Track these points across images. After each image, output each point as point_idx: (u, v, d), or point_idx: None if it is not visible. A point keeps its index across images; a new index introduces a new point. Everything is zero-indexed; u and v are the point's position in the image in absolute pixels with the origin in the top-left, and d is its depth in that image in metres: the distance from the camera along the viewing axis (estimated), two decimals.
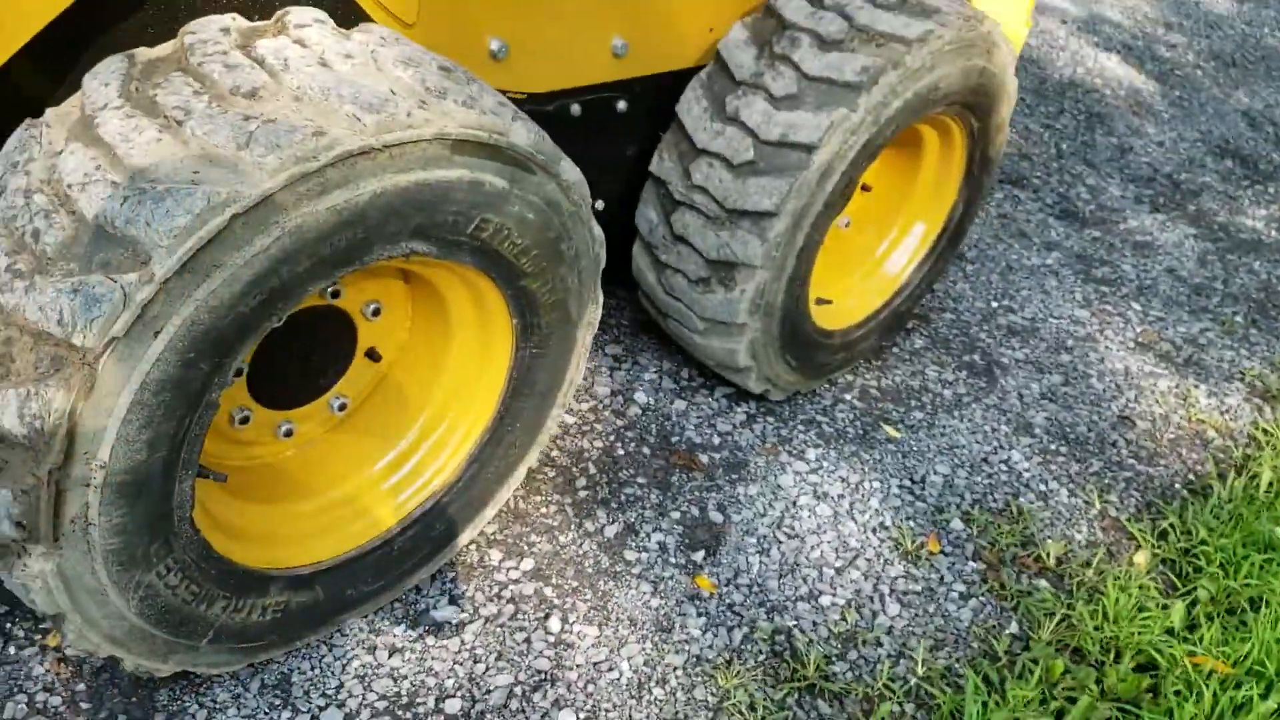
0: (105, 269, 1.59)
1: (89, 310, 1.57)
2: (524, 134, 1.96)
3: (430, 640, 2.40)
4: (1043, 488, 3.24)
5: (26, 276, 1.62)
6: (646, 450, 3.04)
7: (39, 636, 2.23)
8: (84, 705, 2.13)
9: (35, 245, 1.63)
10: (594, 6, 2.59)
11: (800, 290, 2.91)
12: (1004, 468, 3.28)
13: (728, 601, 2.66)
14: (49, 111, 1.78)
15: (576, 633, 2.49)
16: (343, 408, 2.31)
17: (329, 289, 2.11)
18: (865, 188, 3.40)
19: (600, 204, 2.99)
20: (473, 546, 2.62)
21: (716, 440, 3.13)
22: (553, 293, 2.20)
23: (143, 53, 1.83)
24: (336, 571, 2.23)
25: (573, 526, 2.75)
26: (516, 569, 2.60)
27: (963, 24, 2.81)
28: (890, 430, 3.32)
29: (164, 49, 1.84)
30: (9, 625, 2.24)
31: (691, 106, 2.85)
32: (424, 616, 2.45)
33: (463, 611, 2.48)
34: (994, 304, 4.08)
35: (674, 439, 3.10)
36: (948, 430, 3.37)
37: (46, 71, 1.97)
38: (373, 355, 2.29)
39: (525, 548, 2.66)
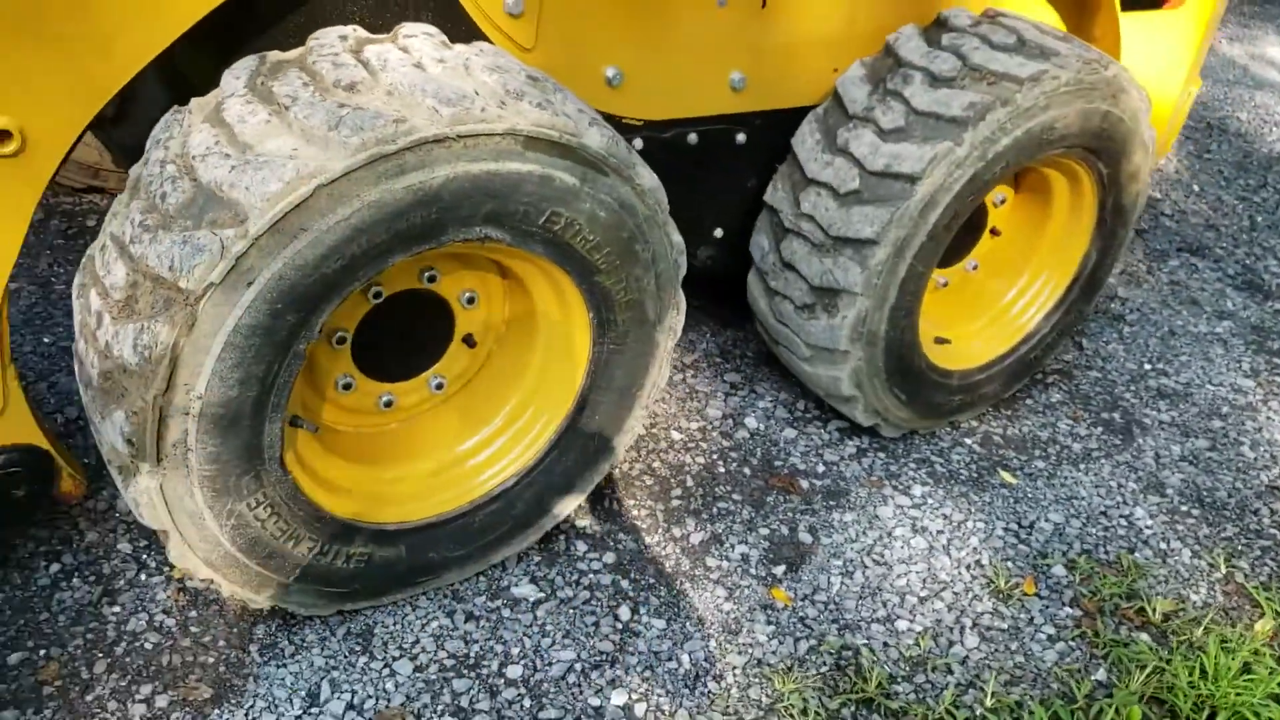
0: (211, 225, 1.88)
1: (193, 257, 1.86)
2: (597, 137, 2.16)
3: (505, 612, 2.58)
4: (1163, 545, 3.12)
5: (153, 230, 1.92)
6: (747, 471, 3.14)
7: (168, 569, 2.54)
8: (192, 629, 2.42)
9: (162, 205, 1.94)
10: (711, 42, 2.78)
11: (905, 322, 2.96)
12: (1123, 522, 3.19)
13: (800, 614, 2.71)
14: (193, 100, 2.11)
15: (644, 623, 2.60)
16: (440, 387, 2.54)
17: (425, 273, 2.35)
18: (995, 232, 3.42)
19: (720, 232, 3.15)
20: (561, 536, 2.79)
21: (821, 468, 3.19)
22: (627, 291, 2.37)
23: (274, 54, 2.14)
24: (419, 533, 2.44)
25: (660, 530, 2.88)
26: (599, 560, 2.75)
27: (1082, 66, 2.84)
28: (1006, 476, 3.29)
29: (292, 52, 2.15)
30: (144, 556, 2.56)
31: (806, 139, 2.98)
32: (504, 591, 2.63)
33: (540, 591, 2.64)
34: (1147, 366, 3.95)
35: (777, 463, 3.18)
36: (1069, 481, 3.30)
37: (206, 66, 2.32)
38: (469, 341, 2.52)
39: (611, 543, 2.81)
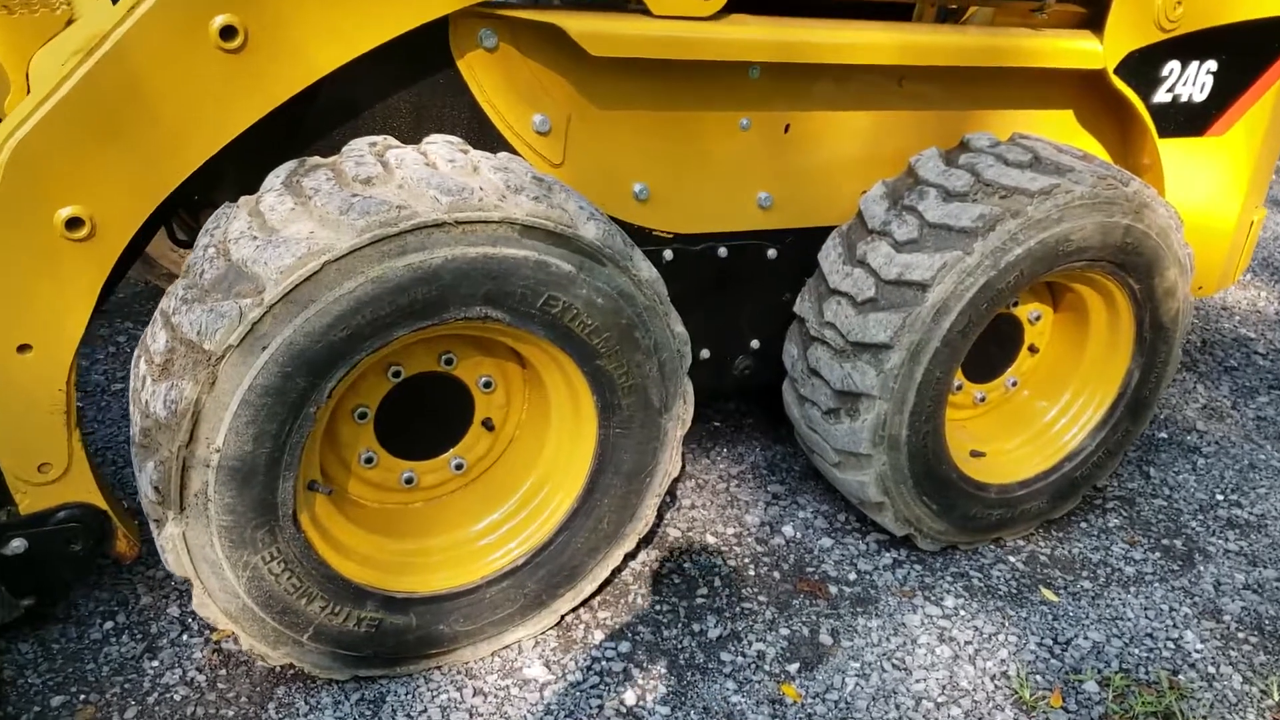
0: (235, 296, 2.14)
1: (216, 322, 2.12)
2: (593, 230, 2.36)
3: (514, 691, 2.67)
4: (1211, 670, 3.00)
5: (189, 302, 2.20)
6: (777, 575, 3.18)
7: (208, 631, 2.74)
8: (220, 685, 2.59)
9: (200, 281, 2.21)
10: (735, 163, 2.99)
11: (927, 427, 3.02)
12: (1170, 645, 3.08)
13: (809, 711, 2.71)
14: (242, 197, 2.41)
15: (649, 709, 2.65)
16: (460, 468, 2.72)
17: (443, 356, 2.56)
18: (1033, 349, 3.46)
19: (757, 343, 3.30)
20: (580, 625, 2.88)
21: (853, 576, 3.21)
22: (629, 376, 2.53)
23: (313, 159, 2.44)
24: (429, 605, 2.58)
25: (680, 624, 2.94)
26: (614, 648, 2.83)
27: (1097, 181, 2.93)
28: (1048, 593, 3.24)
29: (328, 158, 2.44)
30: (189, 620, 2.77)
31: (829, 252, 3.13)
32: (516, 671, 2.73)
33: (551, 674, 2.73)
34: (1219, 497, 3.85)
35: (809, 569, 3.22)
36: (1115, 602, 3.23)
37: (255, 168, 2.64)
38: (488, 425, 2.70)
39: (628, 633, 2.89)
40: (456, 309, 2.27)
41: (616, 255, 2.40)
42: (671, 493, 3.51)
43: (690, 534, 3.31)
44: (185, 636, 2.72)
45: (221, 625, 2.39)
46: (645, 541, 3.25)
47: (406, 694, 2.63)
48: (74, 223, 2.26)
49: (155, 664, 2.63)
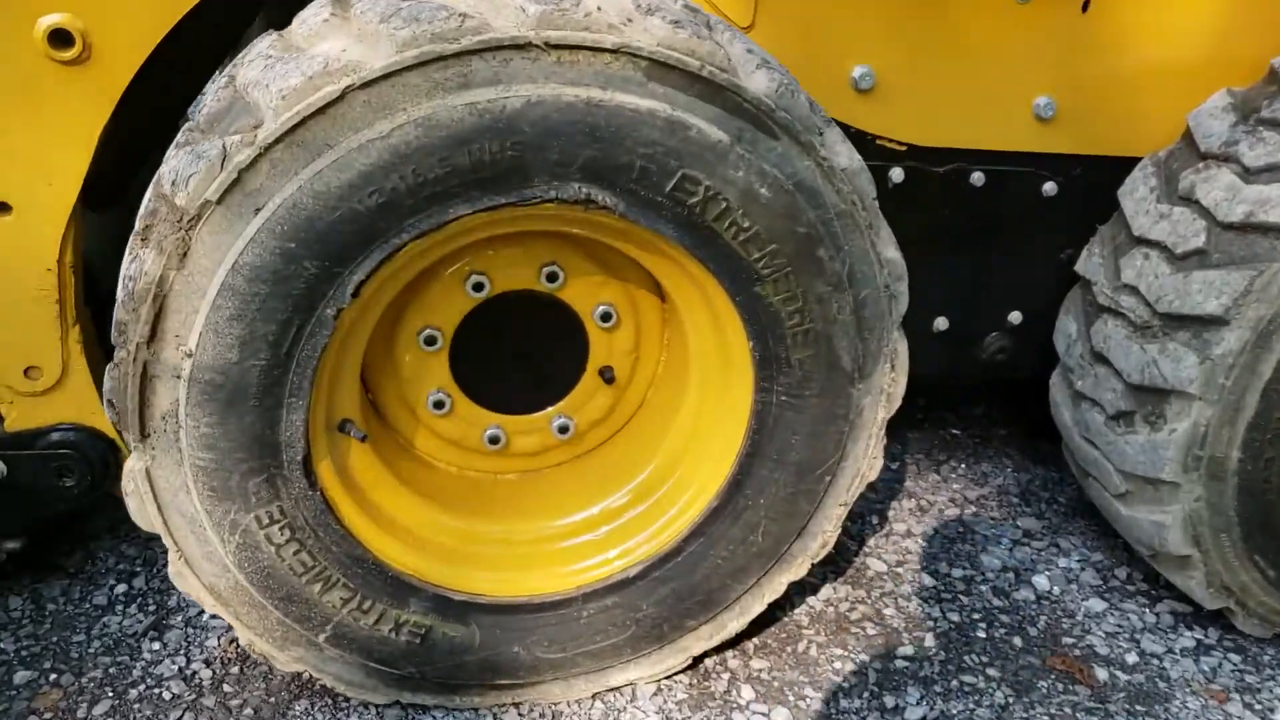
0: (224, 134, 1.49)
1: (190, 168, 1.47)
2: (764, 82, 1.56)
3: None
4: None
5: (180, 146, 1.56)
6: (1018, 641, 2.24)
7: None
8: (225, 688, 1.95)
9: (199, 117, 1.58)
10: (1006, 50, 2.10)
11: (1273, 451, 2.01)
12: None
13: None
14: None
15: None
16: (564, 430, 1.96)
17: (545, 269, 1.82)
18: None
19: (1017, 316, 2.38)
20: (723, 675, 2.07)
21: (1132, 658, 2.23)
22: (804, 317, 1.70)
23: None
24: (499, 615, 1.85)
25: (866, 694, 2.07)
26: (765, 715, 1.99)
27: None
28: None
29: None
30: None
31: (1137, 187, 2.18)
32: None
33: None
34: None
35: (1066, 639, 2.26)
36: None
37: None
38: (606, 376, 1.94)
39: (790, 696, 2.04)
40: (543, 183, 1.53)
41: (798, 126, 1.59)
42: (878, 511, 2.63)
43: (900, 569, 2.42)
44: (205, 617, 2.10)
45: (208, 607, 1.74)
46: (829, 572, 2.39)
47: None
48: (60, 37, 1.67)
49: (156, 647, 2.03)
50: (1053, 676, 2.15)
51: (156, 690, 1.93)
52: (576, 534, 1.94)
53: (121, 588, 2.15)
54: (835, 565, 2.42)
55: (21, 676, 1.93)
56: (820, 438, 1.82)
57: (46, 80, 1.69)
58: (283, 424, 1.60)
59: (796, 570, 1.95)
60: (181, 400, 1.56)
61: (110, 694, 1.92)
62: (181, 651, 2.02)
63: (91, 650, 2.01)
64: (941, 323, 2.35)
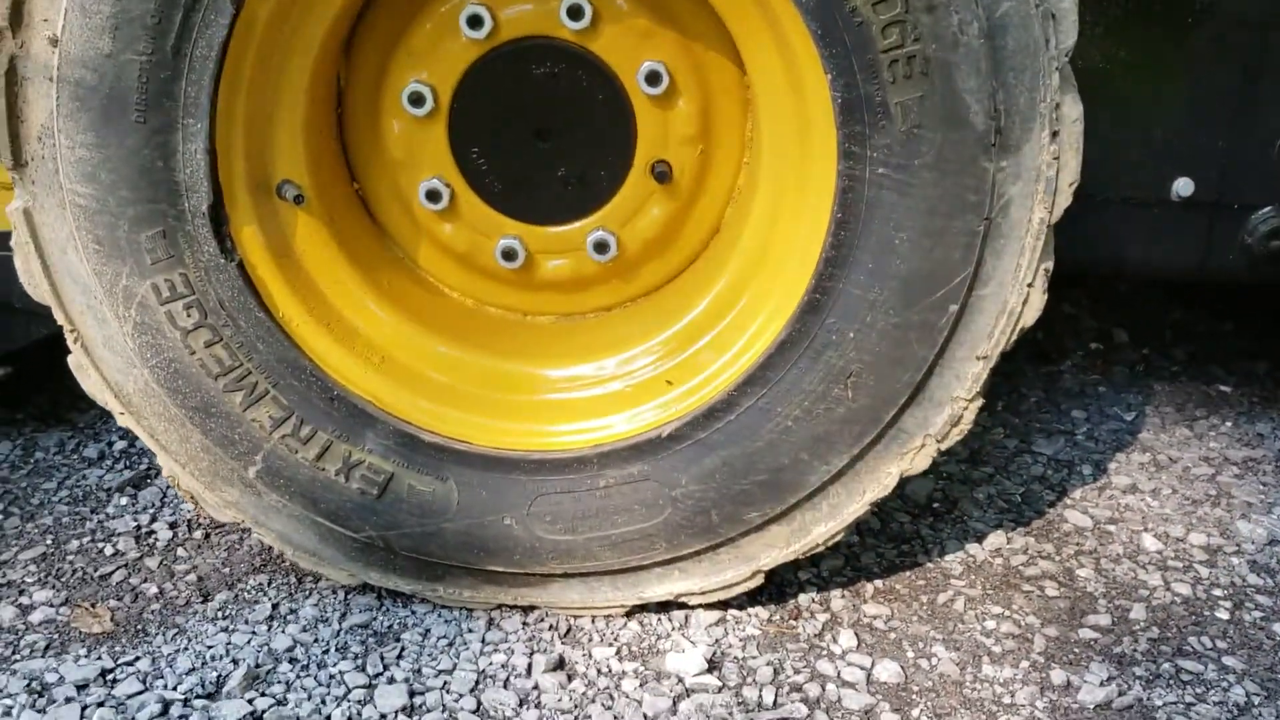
0: None
1: None
2: None
3: (628, 685, 1.35)
4: None
5: None
6: (1278, 631, 1.51)
7: None
8: (180, 551, 1.58)
9: None
10: None
11: None
12: None
13: None
14: None
15: None
16: (602, 249, 1.45)
17: (568, 4, 1.34)
18: None
19: None
20: (819, 613, 1.49)
21: None
22: (905, 33, 1.14)
23: None
24: (485, 471, 1.36)
25: (1026, 666, 1.42)
26: (861, 668, 1.39)
27: None
28: None
29: None
30: None
31: None
32: (650, 654, 1.40)
33: (712, 673, 1.37)
34: None
35: None
36: None
37: None
38: (660, 173, 1.42)
39: (910, 653, 1.43)
40: None
41: None
42: (1094, 459, 1.95)
43: (1111, 527, 1.74)
44: None
45: (117, 416, 1.37)
46: (1005, 517, 1.76)
47: (433, 642, 1.41)
48: None
49: (123, 502, 1.68)
50: None
51: (101, 545, 1.58)
52: (602, 383, 1.43)
53: (122, 445, 1.84)
54: (1015, 509, 1.77)
55: None
56: (939, 238, 1.23)
57: None
58: (179, 155, 1.22)
59: (912, 457, 1.35)
60: (55, 112, 1.20)
61: (49, 542, 1.59)
62: (149, 510, 1.67)
63: (54, 499, 1.70)
64: (1183, 185, 1.67)
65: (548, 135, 1.43)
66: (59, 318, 1.32)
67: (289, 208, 1.34)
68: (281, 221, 1.35)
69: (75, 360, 1.34)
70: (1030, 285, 1.27)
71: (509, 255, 1.46)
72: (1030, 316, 1.29)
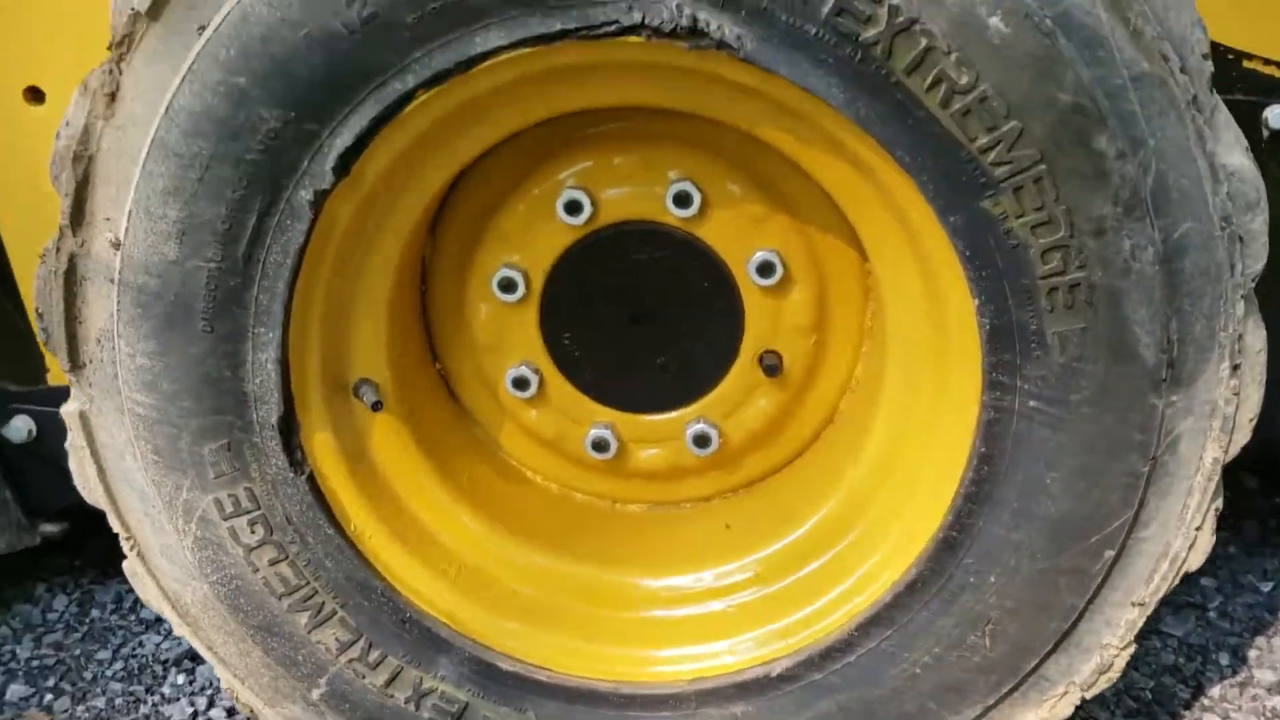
0: None
1: None
2: None
3: None
4: None
5: None
6: None
7: None
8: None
9: None
10: None
11: None
12: None
13: None
14: None
15: None
16: (703, 442, 1.32)
17: (675, 189, 1.21)
18: None
19: None
20: None
21: None
22: (1069, 259, 0.99)
23: None
24: (570, 703, 1.22)
25: None
26: None
27: None
28: None
29: None
30: None
31: None
32: None
33: None
34: None
35: None
36: None
37: None
38: (770, 365, 1.28)
39: None
40: None
41: None
42: (1230, 644, 1.76)
43: None
44: None
45: (174, 626, 1.26)
46: (1134, 715, 1.59)
47: None
48: None
49: (180, 680, 1.60)
50: None
51: None
52: (699, 600, 1.29)
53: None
54: (1146, 710, 1.59)
55: (16, 691, 1.55)
56: (1097, 478, 1.07)
57: None
58: (248, 364, 1.11)
59: (1052, 704, 1.19)
60: (118, 315, 1.10)
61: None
62: (206, 691, 1.55)
63: (108, 673, 1.60)
64: None
65: (646, 321, 1.31)
66: (114, 524, 1.22)
67: (366, 409, 1.23)
68: (357, 424, 1.23)
69: (131, 567, 1.24)
70: (1198, 529, 1.11)
71: (600, 446, 1.33)
72: (1196, 561, 1.13)
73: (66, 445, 1.20)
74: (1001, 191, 0.98)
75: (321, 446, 1.19)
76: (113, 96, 1.05)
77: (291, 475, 1.16)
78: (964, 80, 0.95)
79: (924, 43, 0.94)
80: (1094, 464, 1.07)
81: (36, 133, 1.41)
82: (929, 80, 0.95)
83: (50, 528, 1.65)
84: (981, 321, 1.04)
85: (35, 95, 1.42)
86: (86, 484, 1.21)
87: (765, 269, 1.23)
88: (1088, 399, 1.05)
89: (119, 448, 1.17)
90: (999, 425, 1.07)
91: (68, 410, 1.18)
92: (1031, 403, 1.06)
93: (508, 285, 1.27)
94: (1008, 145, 0.97)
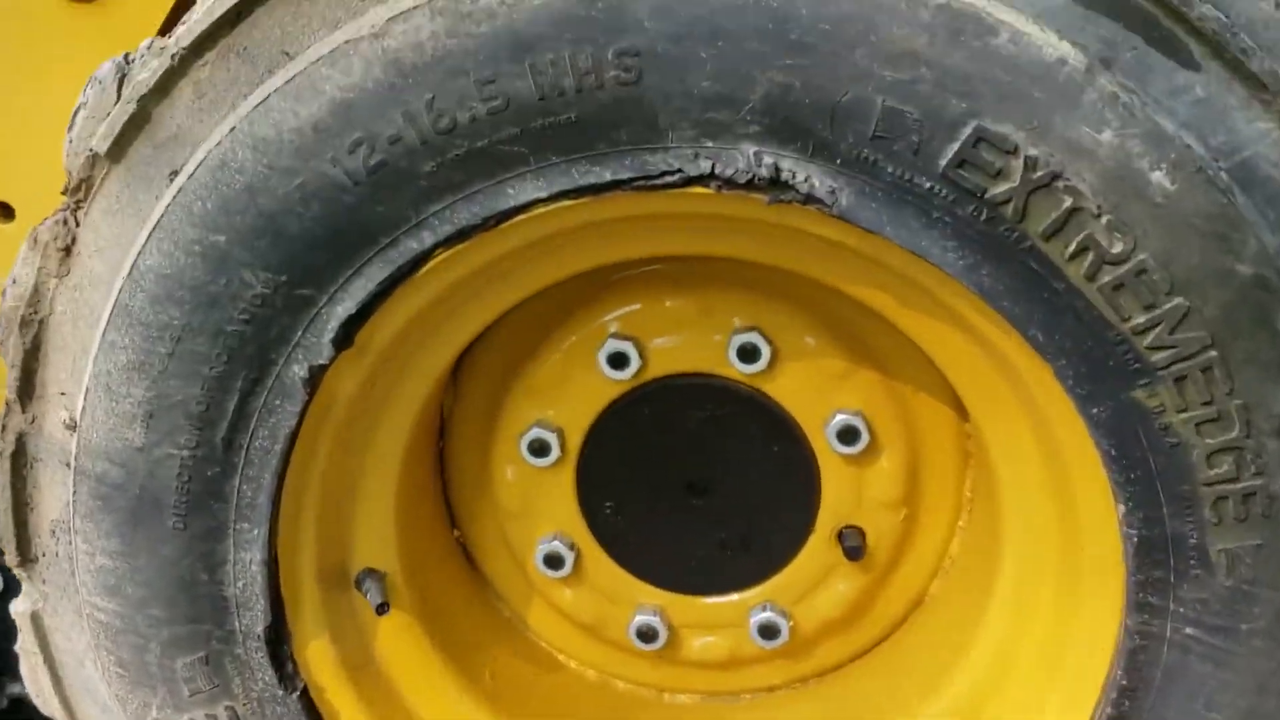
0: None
1: (81, 97, 0.85)
2: None
3: None
4: None
5: None
6: None
7: None
8: None
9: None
10: None
11: None
12: None
13: None
14: None
15: None
16: (770, 633, 1.11)
17: (739, 340, 1.02)
18: None
19: None
20: None
21: None
22: (1242, 462, 0.79)
23: None
24: None
25: None
26: None
27: None
28: None
29: None
30: None
31: None
32: None
33: None
34: None
35: None
36: None
37: None
38: (851, 547, 1.08)
39: None
40: (682, 137, 0.78)
41: (1247, 45, 0.73)
42: None
43: None
44: None
45: None
46: None
47: None
48: None
49: None
50: None
51: None
52: None
53: None
54: None
55: None
56: None
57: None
58: (229, 566, 0.92)
59: None
60: (72, 505, 0.92)
61: None
62: None
63: None
64: None
65: (703, 490, 1.11)
66: None
67: (366, 611, 1.03)
68: (360, 622, 1.04)
69: None
70: None
71: (647, 635, 1.13)
72: None
73: (16, 648, 1.01)
74: (1159, 380, 0.79)
75: (317, 656, 1.00)
76: (67, 251, 0.87)
77: (281, 693, 0.96)
78: (1117, 248, 0.76)
79: (1068, 202, 0.75)
80: (1267, 710, 0.86)
81: (4, 251, 1.25)
82: (1073, 247, 0.76)
83: (18, 689, 1.46)
84: (1128, 532, 0.84)
85: (4, 211, 1.25)
86: (41, 693, 1.02)
87: (847, 434, 1.04)
88: (1262, 630, 0.84)
89: (78, 654, 0.99)
90: (1145, 654, 0.87)
91: (18, 610, 0.99)
92: (1188, 630, 0.86)
93: (539, 448, 1.08)
94: (1169, 326, 0.77)
